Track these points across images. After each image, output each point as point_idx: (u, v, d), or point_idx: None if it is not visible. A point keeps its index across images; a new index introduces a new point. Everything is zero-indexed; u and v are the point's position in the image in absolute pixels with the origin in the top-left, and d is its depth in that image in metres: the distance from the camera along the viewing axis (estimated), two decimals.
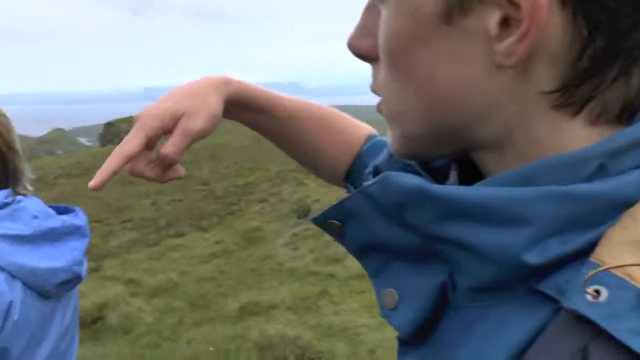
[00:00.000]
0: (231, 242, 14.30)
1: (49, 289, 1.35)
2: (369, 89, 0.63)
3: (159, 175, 0.89)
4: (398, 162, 0.66)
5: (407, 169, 0.64)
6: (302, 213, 14.83)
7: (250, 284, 10.18)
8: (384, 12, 0.55)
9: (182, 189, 22.10)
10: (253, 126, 1.04)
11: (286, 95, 1.03)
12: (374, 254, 0.58)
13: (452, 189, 0.50)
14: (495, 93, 0.51)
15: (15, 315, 1.27)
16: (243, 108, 0.98)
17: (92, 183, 0.85)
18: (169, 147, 0.86)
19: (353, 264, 9.27)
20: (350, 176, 1.02)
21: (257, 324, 7.77)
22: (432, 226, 0.51)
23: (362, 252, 0.59)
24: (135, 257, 13.31)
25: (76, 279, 1.43)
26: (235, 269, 11.54)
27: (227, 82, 0.94)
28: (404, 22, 0.53)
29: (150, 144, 0.87)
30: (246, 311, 8.54)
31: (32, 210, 1.38)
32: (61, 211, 1.48)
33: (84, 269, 1.46)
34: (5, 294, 1.25)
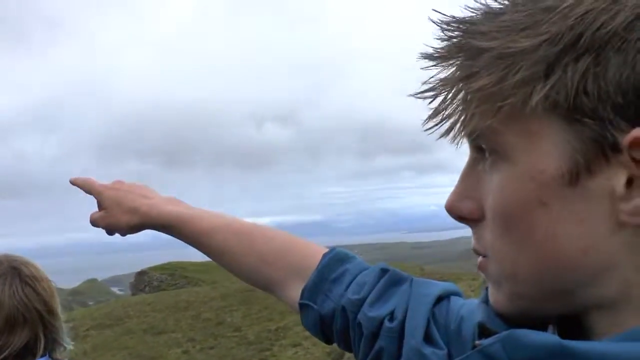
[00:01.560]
0: None
1: None
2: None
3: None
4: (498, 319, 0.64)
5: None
6: (336, 356, 14.40)
7: None
8: (496, 176, 0.56)
9: (214, 336, 21.75)
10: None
11: (208, 213, 1.21)
12: None
13: (596, 345, 0.49)
14: (615, 251, 0.51)
15: None
16: (161, 230, 1.22)
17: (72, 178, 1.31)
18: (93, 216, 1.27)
19: None
20: (308, 294, 1.03)
21: None
22: None
23: None
24: None
25: None
26: None
27: (146, 213, 1.21)
28: (522, 185, 0.54)
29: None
30: None
31: None
32: None
33: None
34: None
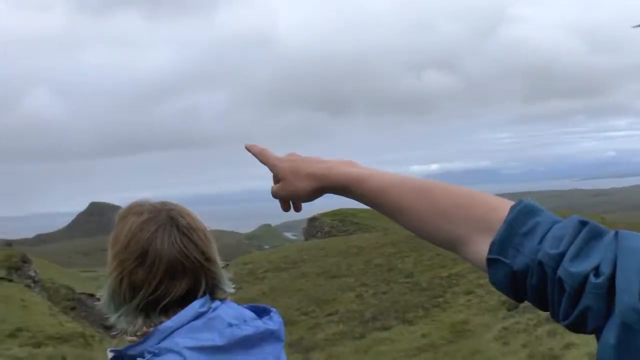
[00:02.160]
0: (438, 336, 13.87)
1: None
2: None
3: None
4: None
5: None
6: (511, 305, 14.01)
7: None
8: None
9: (386, 281, 22.11)
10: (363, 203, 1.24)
11: (383, 172, 1.21)
12: None
13: None
14: None
15: None
16: (340, 193, 1.25)
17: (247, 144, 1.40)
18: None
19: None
20: (497, 248, 1.00)
21: None
22: None
23: None
24: (341, 350, 13.35)
25: None
26: None
27: (324, 176, 1.25)
28: None
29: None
30: None
31: (227, 317, 1.42)
32: (260, 310, 1.51)
33: None
34: None
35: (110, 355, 1.48)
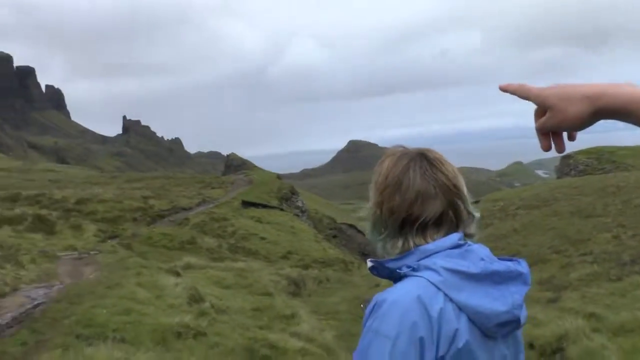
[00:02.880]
0: None
1: (490, 328, 1.50)
2: None
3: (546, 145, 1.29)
4: None
5: None
6: None
7: None
8: None
9: None
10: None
11: None
12: None
13: None
14: None
15: (459, 343, 1.45)
16: (618, 116, 1.16)
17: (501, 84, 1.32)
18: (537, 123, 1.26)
19: None
20: None
21: None
22: None
23: None
24: (596, 292, 12.88)
25: (515, 323, 1.54)
26: None
27: (599, 96, 1.15)
28: None
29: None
30: None
31: (480, 254, 1.58)
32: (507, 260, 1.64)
33: (524, 314, 1.57)
34: (452, 321, 1.46)
35: (369, 264, 1.64)
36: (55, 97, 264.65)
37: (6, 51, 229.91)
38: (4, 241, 19.61)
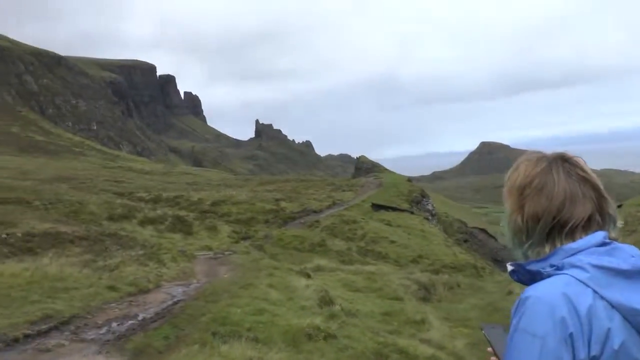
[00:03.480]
0: None
1: None
2: None
3: None
4: None
5: None
6: None
7: None
8: None
9: None
10: None
11: None
12: None
13: None
14: None
15: (615, 344, 1.36)
16: None
17: None
18: None
19: None
20: None
21: None
22: None
23: None
24: None
25: None
26: None
27: None
28: None
29: None
30: None
31: (630, 251, 1.49)
32: None
33: None
34: (603, 320, 1.37)
35: (510, 268, 1.59)
36: (192, 103, 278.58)
37: (151, 61, 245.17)
38: (147, 240, 20.88)
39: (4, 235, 16.88)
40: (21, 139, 74.99)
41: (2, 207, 23.00)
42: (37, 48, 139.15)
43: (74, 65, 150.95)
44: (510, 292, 17.92)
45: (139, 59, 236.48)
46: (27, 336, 8.02)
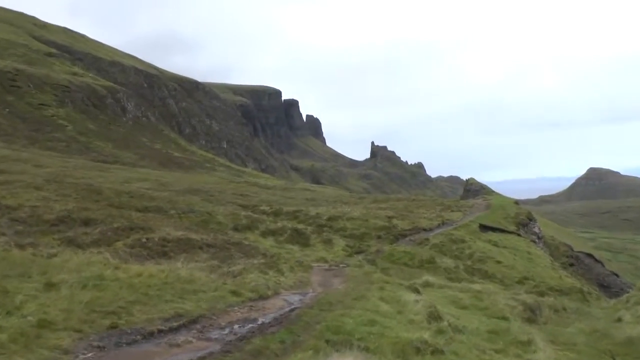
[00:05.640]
0: None
1: None
2: None
3: None
4: None
5: None
6: None
7: None
8: None
9: None
10: None
11: None
12: None
13: None
14: None
15: None
16: None
17: None
18: None
19: None
20: None
21: None
22: None
23: None
24: None
25: None
26: None
27: None
28: None
29: None
30: None
31: None
32: None
33: None
34: None
35: None
36: (313, 125, 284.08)
37: (277, 87, 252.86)
38: (268, 250, 21.37)
39: (144, 240, 17.88)
40: (162, 154, 79.33)
41: (143, 214, 24.40)
42: (180, 75, 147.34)
43: (210, 90, 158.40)
44: (619, 319, 16.73)
45: (266, 84, 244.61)
46: (160, 331, 8.42)
